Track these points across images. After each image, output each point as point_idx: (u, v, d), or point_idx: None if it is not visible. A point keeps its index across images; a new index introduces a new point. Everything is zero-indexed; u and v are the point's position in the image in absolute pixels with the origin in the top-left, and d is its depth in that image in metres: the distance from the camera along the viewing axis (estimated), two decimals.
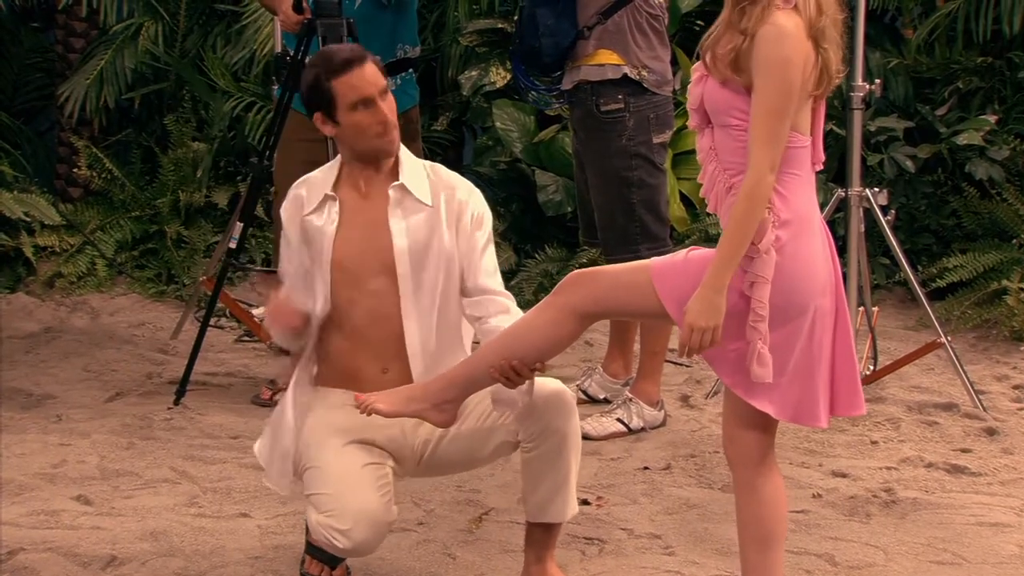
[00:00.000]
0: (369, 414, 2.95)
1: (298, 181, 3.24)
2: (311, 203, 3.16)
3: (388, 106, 3.11)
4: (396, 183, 3.14)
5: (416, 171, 3.19)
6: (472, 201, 3.19)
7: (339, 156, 3.22)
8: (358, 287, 3.11)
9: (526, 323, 2.87)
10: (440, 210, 3.15)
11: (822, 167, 2.83)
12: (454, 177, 3.23)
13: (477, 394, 3.00)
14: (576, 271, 2.85)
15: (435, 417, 2.94)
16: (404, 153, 3.19)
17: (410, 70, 4.71)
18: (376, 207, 3.14)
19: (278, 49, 5.31)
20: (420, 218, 3.13)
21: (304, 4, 4.55)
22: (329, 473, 3.01)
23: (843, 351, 2.79)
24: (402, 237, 3.12)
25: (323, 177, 3.20)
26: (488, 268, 3.17)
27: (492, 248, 3.21)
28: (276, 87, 4.86)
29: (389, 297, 3.11)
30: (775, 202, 2.70)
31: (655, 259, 2.81)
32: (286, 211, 3.20)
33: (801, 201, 2.74)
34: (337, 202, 3.14)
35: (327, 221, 3.13)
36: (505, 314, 3.10)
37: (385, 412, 2.94)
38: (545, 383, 3.01)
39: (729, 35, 2.70)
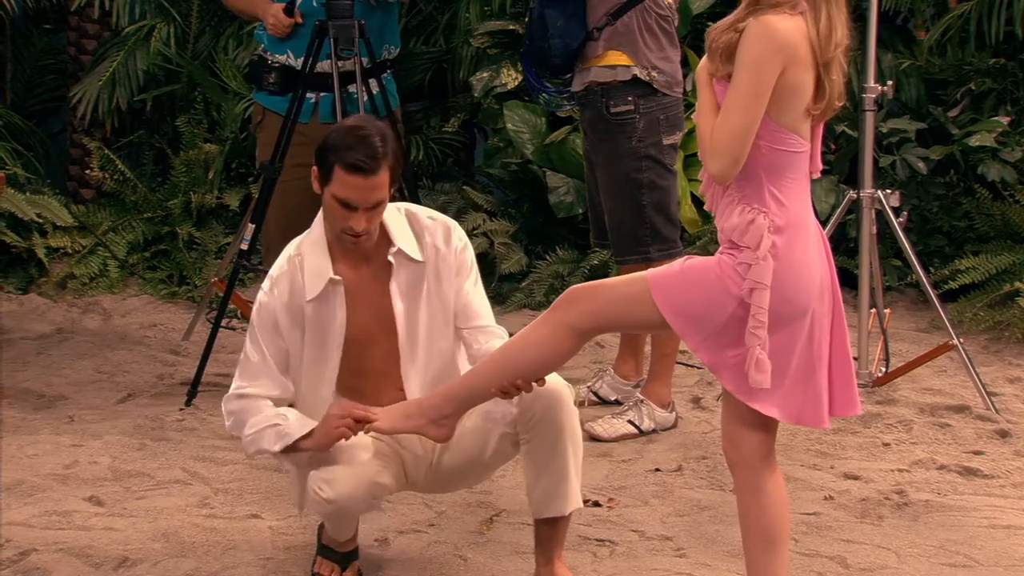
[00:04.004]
0: (367, 432, 2.99)
1: (288, 255, 3.14)
2: (312, 289, 3.10)
3: (371, 216, 3.04)
4: (394, 250, 3.13)
5: (401, 226, 3.16)
6: (453, 238, 3.19)
7: (321, 216, 3.15)
8: (365, 357, 3.13)
9: (524, 339, 2.87)
10: (428, 260, 3.16)
11: (819, 175, 2.84)
12: (426, 216, 3.21)
13: None
14: (573, 287, 2.86)
15: (433, 432, 2.97)
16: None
17: (389, 71, 4.73)
18: (375, 274, 3.14)
19: None
20: (411, 276, 3.15)
21: (296, 9, 4.56)
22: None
23: (839, 352, 2.82)
24: (399, 301, 3.14)
25: (317, 255, 3.12)
26: (479, 308, 3.21)
27: (479, 282, 3.24)
28: (255, 91, 4.85)
29: (392, 358, 3.14)
30: (771, 207, 2.72)
31: (651, 271, 2.82)
32: (279, 299, 3.10)
33: (797, 206, 2.75)
34: (341, 286, 3.11)
35: (335, 307, 3.11)
36: (499, 340, 3.15)
37: (383, 429, 2.99)
38: None
39: (730, 32, 2.72)
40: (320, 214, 3.17)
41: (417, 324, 3.16)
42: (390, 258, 3.13)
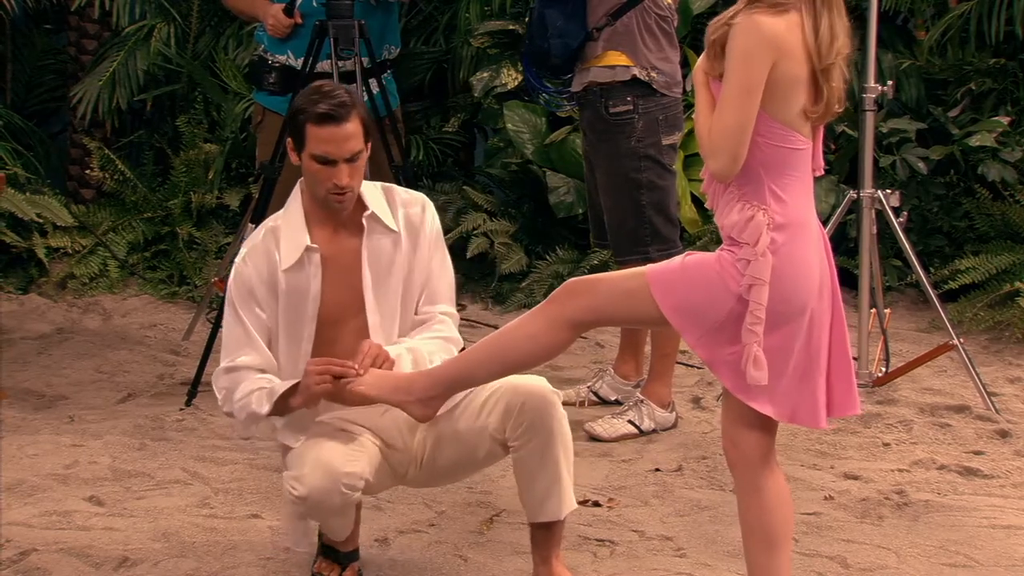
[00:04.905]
0: (348, 387, 2.96)
1: (265, 227, 3.16)
2: (288, 258, 3.10)
3: (352, 170, 3.06)
4: (368, 213, 3.15)
5: (376, 197, 3.18)
6: (427, 213, 3.22)
7: (299, 190, 3.17)
8: (340, 327, 3.13)
9: (519, 329, 2.86)
10: (401, 233, 3.17)
11: (821, 173, 2.85)
12: (403, 192, 3.24)
13: (469, 394, 3.06)
14: (571, 280, 2.85)
15: (417, 411, 2.96)
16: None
17: (389, 71, 4.74)
18: (350, 243, 3.15)
19: None
20: (384, 245, 3.16)
21: (295, 9, 4.57)
22: (307, 441, 3.07)
23: (839, 353, 2.81)
24: (367, 269, 3.14)
25: (293, 225, 3.13)
26: (441, 290, 3.22)
27: (448, 264, 3.25)
28: (255, 91, 4.86)
29: (365, 335, 3.13)
30: (771, 205, 2.72)
31: (650, 266, 2.82)
32: (255, 269, 3.10)
33: (798, 204, 2.75)
34: (317, 254, 3.11)
35: (310, 277, 3.11)
36: (441, 327, 3.17)
37: (368, 396, 2.97)
38: (526, 380, 3.04)
39: (724, 27, 2.72)
40: (295, 190, 3.18)
41: (387, 299, 3.16)
42: (363, 221, 3.14)
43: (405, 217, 3.19)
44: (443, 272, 3.24)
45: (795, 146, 2.73)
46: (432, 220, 3.22)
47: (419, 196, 3.25)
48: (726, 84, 2.68)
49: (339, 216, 3.13)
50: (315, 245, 3.11)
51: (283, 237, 3.12)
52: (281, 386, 3.04)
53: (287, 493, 3.04)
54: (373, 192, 3.19)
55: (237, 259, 3.16)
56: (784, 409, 2.76)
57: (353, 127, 3.04)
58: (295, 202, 3.17)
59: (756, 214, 2.71)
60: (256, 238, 3.15)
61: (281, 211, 3.19)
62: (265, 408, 3.04)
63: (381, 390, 2.96)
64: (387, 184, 3.26)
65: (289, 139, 3.11)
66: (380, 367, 3.00)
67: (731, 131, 2.67)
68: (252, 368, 3.08)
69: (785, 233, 2.72)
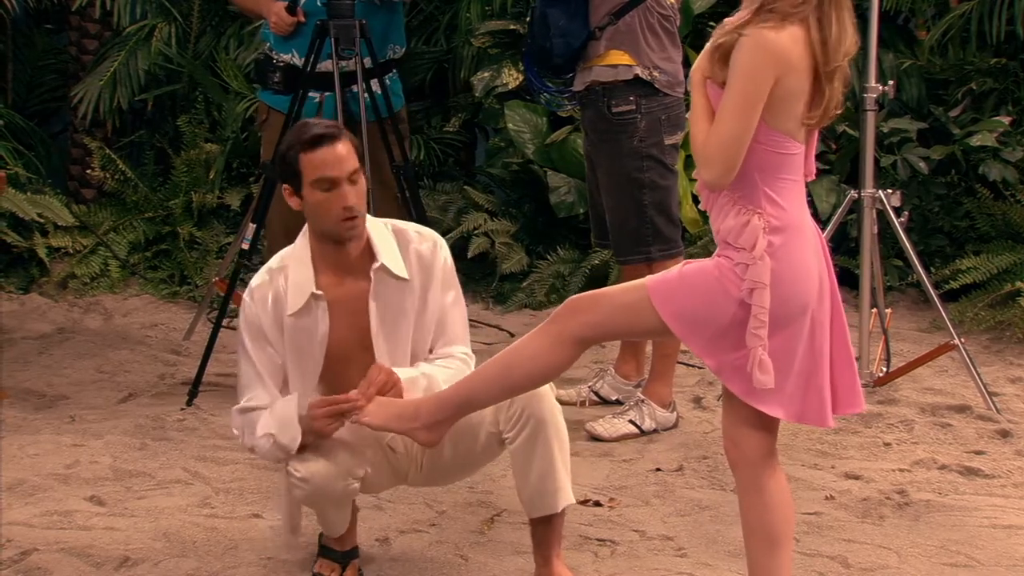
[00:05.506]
0: (355, 422, 2.99)
1: (271, 268, 3.14)
2: (295, 303, 3.09)
3: (356, 191, 3.04)
4: (376, 265, 3.12)
5: (386, 242, 3.14)
6: (439, 252, 3.19)
7: (306, 231, 3.15)
8: (343, 375, 3.12)
9: (523, 349, 2.86)
10: (413, 280, 3.15)
11: (813, 178, 2.85)
12: (414, 231, 3.21)
13: None
14: (573, 297, 2.85)
15: (423, 436, 2.96)
16: (370, 223, 3.14)
17: (394, 70, 4.73)
18: (357, 289, 3.13)
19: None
20: (393, 293, 3.14)
21: (298, 8, 4.56)
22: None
23: (841, 351, 2.82)
24: (375, 319, 3.13)
25: (300, 269, 3.11)
26: (454, 330, 3.20)
27: (460, 301, 3.23)
28: (259, 90, 4.86)
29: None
30: (767, 209, 2.72)
31: (650, 277, 2.82)
32: (262, 307, 3.11)
33: (793, 207, 2.75)
34: (324, 301, 3.10)
35: (317, 322, 3.10)
36: (457, 362, 3.16)
37: (374, 425, 2.98)
38: None
39: (733, 34, 2.71)
40: (302, 234, 3.16)
41: (398, 343, 3.15)
42: (371, 274, 3.12)
43: (416, 256, 3.16)
44: (456, 311, 3.21)
45: (789, 151, 2.74)
46: (445, 257, 3.19)
47: (431, 234, 3.21)
48: (727, 96, 2.67)
49: (347, 261, 3.10)
50: (320, 292, 3.10)
51: (290, 280, 3.11)
52: (289, 441, 3.04)
53: (289, 476, 3.04)
54: (383, 235, 3.15)
55: (244, 295, 3.15)
56: (792, 410, 2.77)
57: (346, 147, 3.03)
58: (301, 243, 3.15)
59: (752, 218, 2.71)
60: (261, 279, 3.14)
61: (288, 250, 3.17)
62: (285, 454, 3.06)
63: (386, 419, 2.97)
64: (397, 224, 3.22)
65: (286, 186, 3.09)
66: (387, 393, 3.00)
67: (727, 143, 2.67)
68: (264, 408, 3.11)
69: (781, 236, 2.72)
